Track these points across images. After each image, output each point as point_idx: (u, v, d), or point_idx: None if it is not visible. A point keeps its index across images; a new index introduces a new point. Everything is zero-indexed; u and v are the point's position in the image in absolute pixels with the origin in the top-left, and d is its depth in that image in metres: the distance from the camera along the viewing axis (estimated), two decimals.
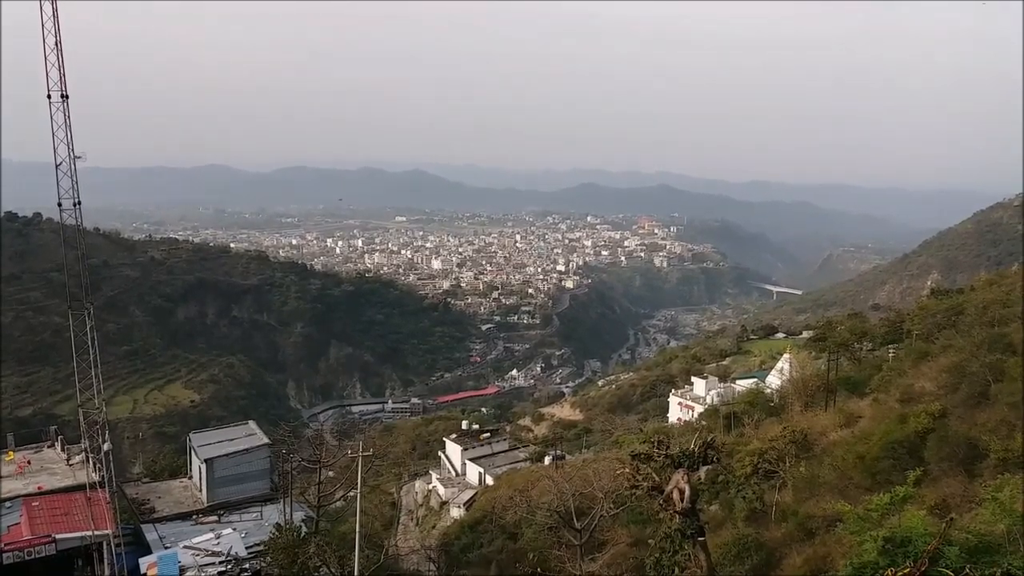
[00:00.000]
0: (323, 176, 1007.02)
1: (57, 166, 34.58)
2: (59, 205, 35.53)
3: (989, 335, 42.46)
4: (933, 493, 26.35)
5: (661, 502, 22.05)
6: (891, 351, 65.92)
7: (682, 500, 21.29)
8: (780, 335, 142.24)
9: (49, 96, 33.98)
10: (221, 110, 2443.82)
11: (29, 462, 46.58)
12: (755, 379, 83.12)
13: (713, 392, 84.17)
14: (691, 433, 39.19)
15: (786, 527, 31.18)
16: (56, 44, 33.37)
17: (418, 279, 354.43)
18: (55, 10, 33.17)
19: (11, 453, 47.95)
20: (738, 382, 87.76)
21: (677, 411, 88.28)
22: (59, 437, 49.95)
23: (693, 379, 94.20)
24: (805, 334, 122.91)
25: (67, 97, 34.21)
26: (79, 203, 35.69)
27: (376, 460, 56.52)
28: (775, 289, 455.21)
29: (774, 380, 71.94)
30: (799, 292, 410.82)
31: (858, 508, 21.56)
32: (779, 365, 75.62)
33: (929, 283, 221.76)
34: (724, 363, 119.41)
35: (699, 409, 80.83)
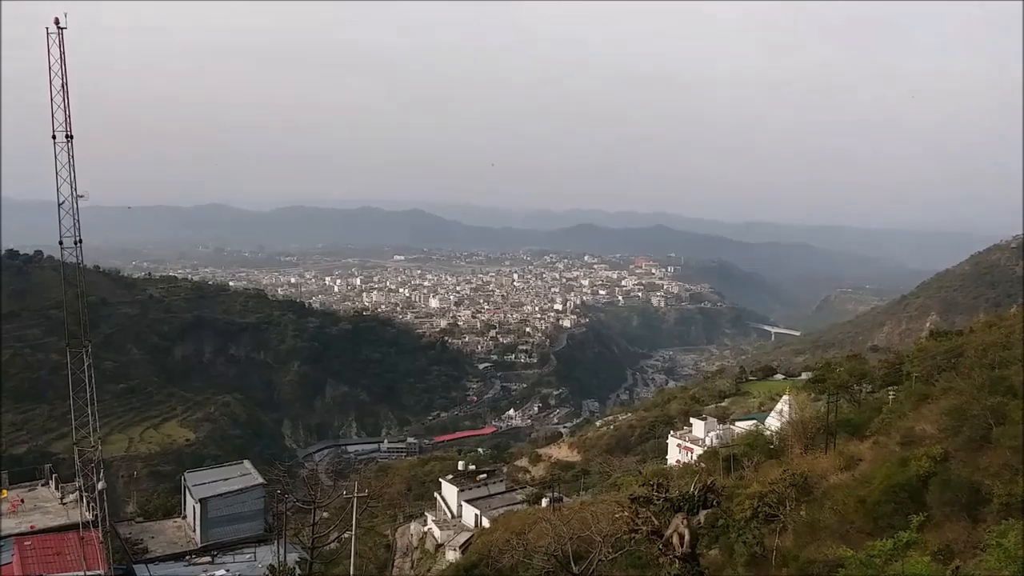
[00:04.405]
0: (322, 215, 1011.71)
1: (60, 205, 34.91)
2: (60, 243, 35.81)
3: (990, 377, 42.35)
4: (936, 538, 26.11)
5: (660, 546, 21.79)
6: (891, 393, 65.70)
7: (682, 544, 21.06)
8: (779, 376, 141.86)
9: (54, 136, 34.46)
10: (221, 150, 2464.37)
11: (23, 500, 46.26)
12: (754, 421, 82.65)
13: (712, 434, 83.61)
14: (690, 476, 38.94)
15: (787, 572, 30.84)
16: (63, 86, 33.93)
17: (415, 318, 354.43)
18: (62, 54, 33.76)
19: (4, 492, 47.59)
20: (737, 424, 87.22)
21: (676, 453, 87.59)
22: (53, 475, 49.63)
23: (692, 420, 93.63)
24: (804, 375, 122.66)
25: (71, 137, 34.70)
26: (80, 241, 35.93)
27: (371, 501, 56.09)
28: (773, 330, 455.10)
29: (773, 422, 71.54)
30: (797, 333, 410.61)
31: (860, 553, 21.39)
32: (778, 407, 75.25)
33: (928, 324, 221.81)
34: (723, 404, 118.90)
35: (698, 451, 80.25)
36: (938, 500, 29.95)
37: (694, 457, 78.67)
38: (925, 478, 32.10)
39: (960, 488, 29.60)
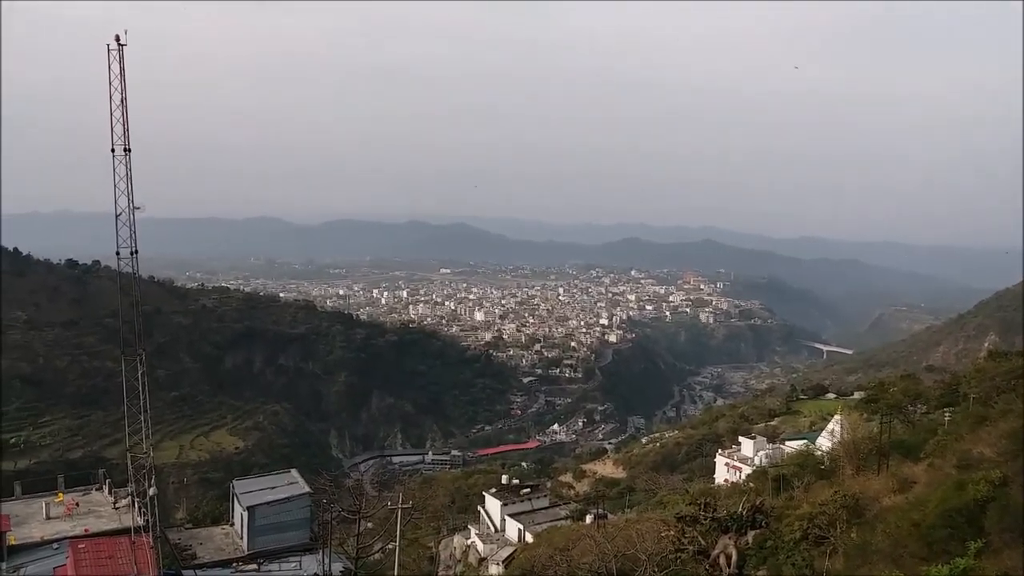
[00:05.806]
0: (370, 229, 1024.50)
1: (117, 216, 35.85)
2: (117, 254, 36.75)
3: None
4: (995, 565, 25.21)
5: (707, 567, 21.46)
6: (947, 414, 63.86)
7: (729, 565, 20.72)
8: (830, 395, 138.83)
9: (113, 149, 35.45)
10: (272, 164, 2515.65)
11: (78, 504, 47.49)
12: (805, 440, 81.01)
13: (761, 453, 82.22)
14: (739, 495, 38.26)
15: None
16: (122, 101, 34.94)
17: (461, 330, 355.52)
18: (122, 69, 34.80)
19: (61, 495, 48.93)
20: (787, 443, 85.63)
21: (724, 472, 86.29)
22: (107, 480, 50.84)
23: (740, 439, 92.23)
24: (856, 395, 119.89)
25: (129, 151, 35.67)
26: (136, 252, 36.85)
27: (415, 513, 56.19)
28: (825, 348, 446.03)
29: (825, 442, 69.96)
30: (849, 351, 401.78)
31: None
32: (830, 426, 73.59)
33: (986, 345, 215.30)
34: (773, 423, 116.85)
35: (747, 470, 78.94)
36: (997, 526, 28.92)
37: (742, 476, 77.41)
38: (983, 503, 31.04)
39: (1020, 514, 28.54)
